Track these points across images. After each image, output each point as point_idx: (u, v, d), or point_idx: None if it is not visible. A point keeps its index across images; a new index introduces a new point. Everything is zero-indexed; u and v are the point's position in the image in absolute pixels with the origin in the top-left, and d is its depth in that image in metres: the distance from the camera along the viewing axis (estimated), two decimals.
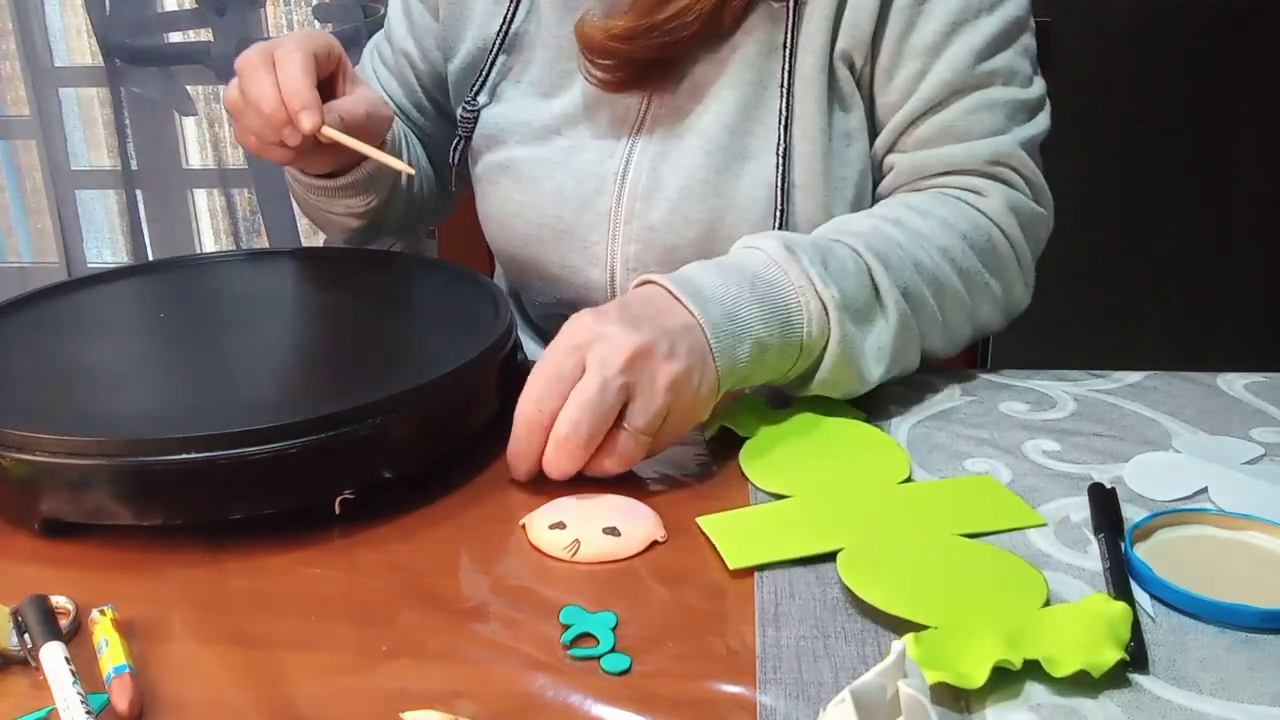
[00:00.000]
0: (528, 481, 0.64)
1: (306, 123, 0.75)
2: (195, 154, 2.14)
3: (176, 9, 2.05)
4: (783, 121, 0.80)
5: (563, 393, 0.61)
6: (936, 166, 0.81)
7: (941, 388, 0.77)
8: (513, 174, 0.88)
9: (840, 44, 0.80)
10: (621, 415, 0.62)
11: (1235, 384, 0.77)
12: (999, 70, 0.79)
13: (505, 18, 0.88)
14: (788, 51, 0.80)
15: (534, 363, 0.74)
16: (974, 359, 1.41)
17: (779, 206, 0.80)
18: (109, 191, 2.18)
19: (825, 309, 0.68)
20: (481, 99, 0.90)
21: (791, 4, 0.79)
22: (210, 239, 2.22)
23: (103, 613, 0.52)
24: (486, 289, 0.78)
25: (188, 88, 1.98)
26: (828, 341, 0.68)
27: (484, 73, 0.89)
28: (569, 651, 0.50)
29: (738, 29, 0.81)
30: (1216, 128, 1.78)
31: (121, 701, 0.47)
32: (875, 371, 0.71)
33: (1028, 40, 0.82)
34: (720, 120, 0.82)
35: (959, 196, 0.80)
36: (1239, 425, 0.71)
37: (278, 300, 0.80)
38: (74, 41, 2.15)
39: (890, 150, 0.83)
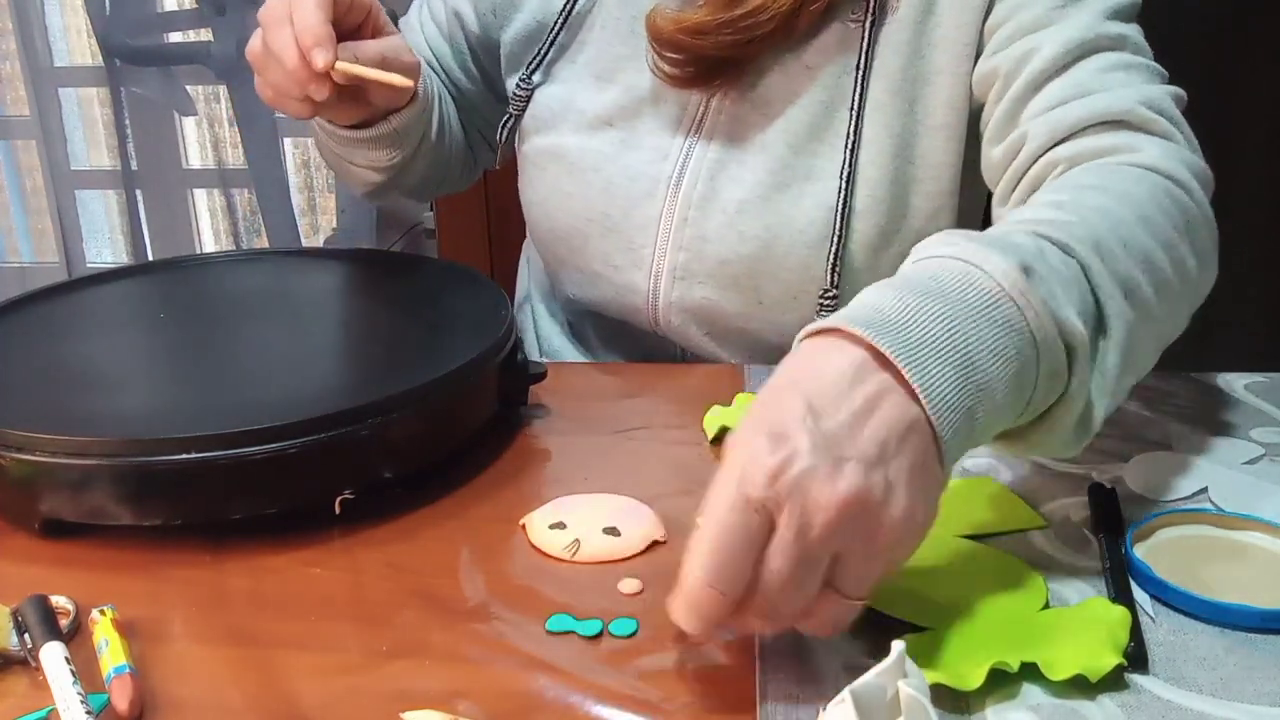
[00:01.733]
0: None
1: (319, 59, 0.72)
2: (195, 154, 2.14)
3: (176, 9, 2.05)
4: (849, 145, 0.78)
5: (749, 564, 0.45)
6: (1082, 117, 0.69)
7: None
8: (563, 162, 0.86)
9: (951, 68, 0.77)
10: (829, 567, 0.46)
11: (1235, 384, 0.77)
12: (1128, 36, 0.73)
13: None
14: (860, 73, 0.78)
15: (534, 362, 0.74)
16: None
17: (837, 231, 0.78)
18: (109, 191, 2.18)
19: (1070, 351, 0.50)
20: (537, 77, 0.89)
21: (868, 25, 0.78)
22: (210, 239, 2.22)
23: (103, 613, 0.52)
24: (487, 289, 0.78)
25: (188, 88, 1.98)
26: (1065, 388, 0.51)
27: (543, 51, 0.88)
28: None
29: (812, 43, 0.79)
30: (1217, 128, 1.78)
31: (121, 701, 0.47)
32: (1100, 410, 0.52)
33: (1133, 18, 0.76)
34: (786, 138, 0.80)
35: (1119, 162, 0.65)
36: (1239, 425, 0.71)
37: (278, 300, 0.80)
38: (74, 41, 2.15)
39: (1012, 120, 0.74)
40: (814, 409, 0.45)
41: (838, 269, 0.78)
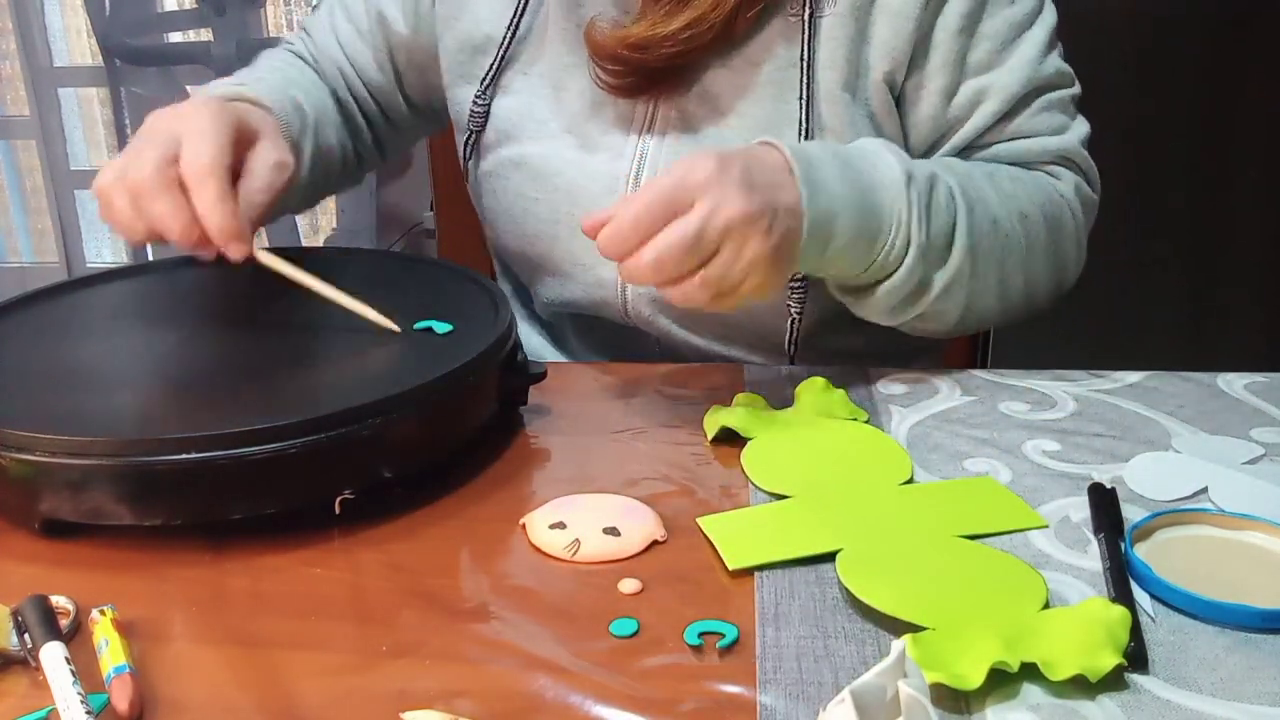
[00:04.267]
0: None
1: (238, 254, 0.70)
2: None
3: (176, 9, 2.06)
4: (803, 134, 0.80)
5: (666, 218, 0.63)
6: (1007, 159, 0.83)
7: (941, 388, 0.77)
8: (525, 169, 0.87)
9: (878, 65, 0.80)
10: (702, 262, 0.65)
11: (1235, 384, 0.77)
12: (1051, 74, 0.82)
13: (516, 10, 0.87)
14: (805, 65, 0.80)
15: (534, 362, 0.74)
16: (974, 359, 1.41)
17: None
18: None
19: (907, 247, 0.72)
20: (491, 92, 0.89)
21: (806, 17, 0.79)
22: None
23: (103, 613, 0.52)
24: (486, 289, 0.78)
25: (188, 88, 1.98)
26: (893, 272, 0.73)
27: (495, 65, 0.88)
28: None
29: (755, 39, 0.81)
30: (1217, 128, 1.78)
31: (121, 701, 0.47)
32: (918, 307, 0.76)
33: (1058, 44, 0.85)
34: (740, 132, 0.81)
35: (1040, 174, 0.84)
36: (1239, 425, 0.71)
37: (278, 300, 0.80)
38: (74, 41, 2.15)
39: (957, 154, 0.85)
40: (749, 166, 0.66)
41: None
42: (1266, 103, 1.75)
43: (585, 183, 0.85)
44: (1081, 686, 0.47)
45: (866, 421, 0.72)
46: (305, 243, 2.08)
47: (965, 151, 0.84)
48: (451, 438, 0.66)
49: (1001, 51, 0.81)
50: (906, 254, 0.72)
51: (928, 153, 0.84)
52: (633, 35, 0.79)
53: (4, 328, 0.74)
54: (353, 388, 0.63)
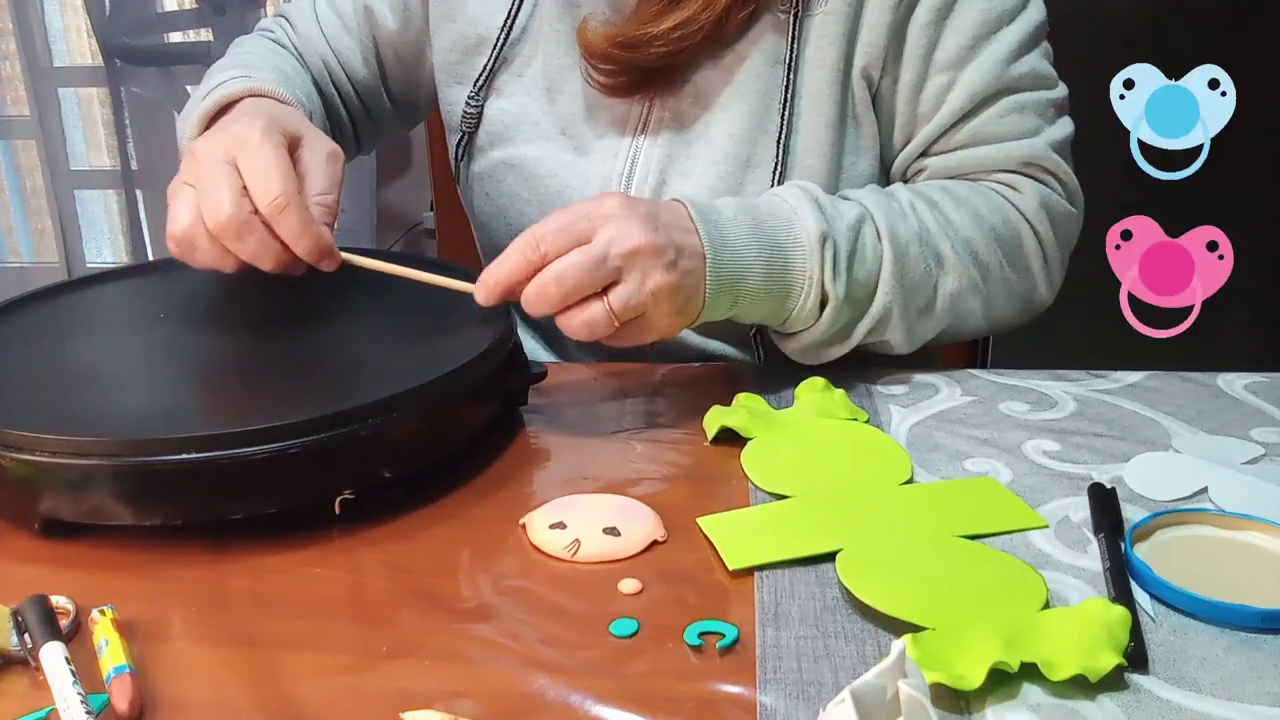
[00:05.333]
0: (487, 304, 0.68)
1: (329, 267, 0.71)
2: None
3: (176, 9, 2.05)
4: (780, 136, 0.81)
5: (565, 246, 0.65)
6: (971, 167, 0.83)
7: (941, 388, 0.77)
8: (519, 171, 0.88)
9: (858, 61, 0.80)
10: (604, 291, 0.66)
11: (1235, 384, 0.77)
12: (1025, 75, 0.81)
13: (510, 11, 0.87)
14: (788, 65, 0.80)
15: (534, 362, 0.74)
16: (974, 359, 1.41)
17: None
18: (109, 191, 2.18)
19: (823, 303, 0.73)
20: (484, 94, 0.89)
21: (794, 17, 0.79)
22: None
23: (103, 613, 0.52)
24: None
25: (188, 88, 1.98)
26: (811, 325, 0.74)
27: (489, 67, 0.88)
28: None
29: (745, 36, 0.81)
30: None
31: (121, 701, 0.47)
32: (847, 346, 0.77)
33: (1046, 45, 0.84)
34: (727, 129, 0.82)
35: (996, 190, 0.82)
36: (1239, 425, 0.71)
37: (278, 300, 0.80)
38: (74, 41, 2.15)
39: (921, 156, 0.85)
40: (654, 208, 0.68)
41: None
42: (1268, 102, 1.75)
43: (579, 184, 0.86)
44: (1081, 686, 0.47)
45: (866, 421, 0.72)
46: None
47: (928, 155, 0.84)
48: (451, 438, 0.66)
49: (972, 47, 0.80)
50: (823, 310, 0.73)
51: (898, 151, 0.84)
52: (623, 34, 0.79)
53: (4, 328, 0.74)
54: (353, 388, 0.63)
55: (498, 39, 0.88)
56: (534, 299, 0.65)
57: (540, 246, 0.65)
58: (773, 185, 0.81)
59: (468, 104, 0.90)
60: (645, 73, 0.81)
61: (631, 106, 0.85)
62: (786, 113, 0.81)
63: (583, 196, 0.84)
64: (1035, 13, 0.82)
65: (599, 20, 0.81)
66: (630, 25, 0.79)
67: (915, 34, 0.80)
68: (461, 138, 0.91)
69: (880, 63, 0.80)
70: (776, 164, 0.81)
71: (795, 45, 0.80)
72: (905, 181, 0.86)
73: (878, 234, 0.75)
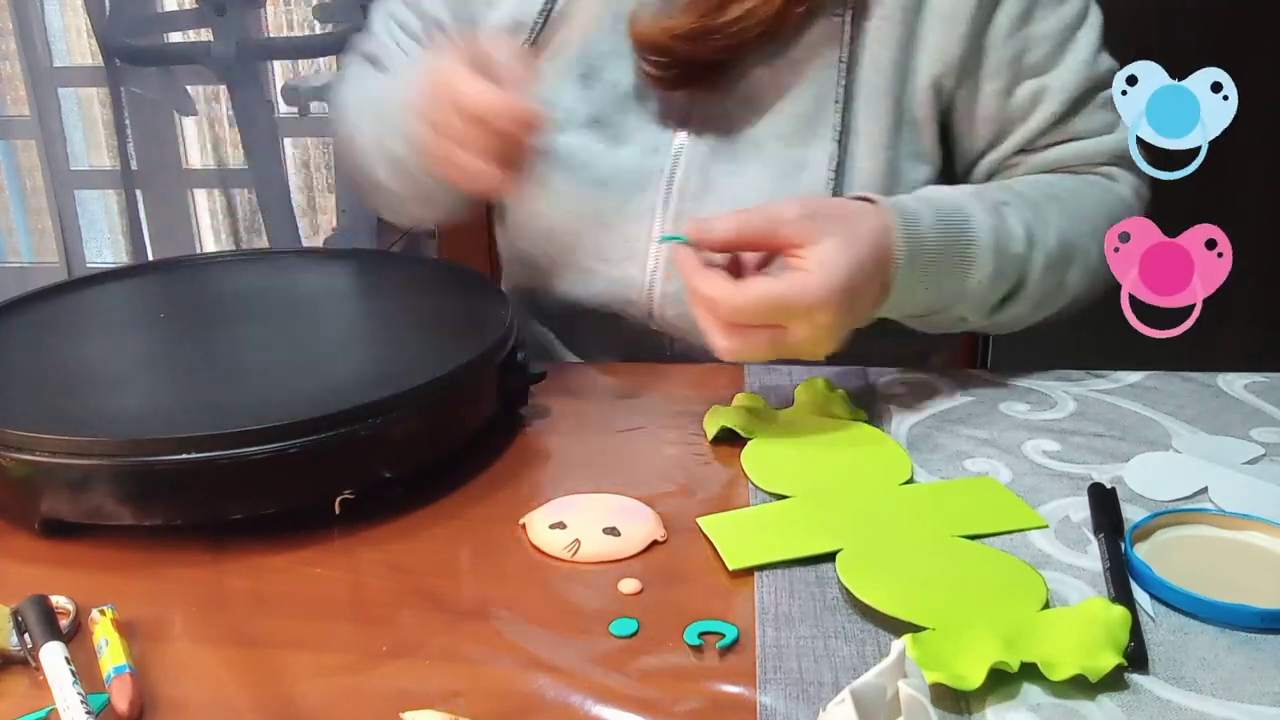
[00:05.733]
0: (699, 243, 0.67)
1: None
2: (195, 154, 2.14)
3: (176, 9, 2.06)
4: (838, 137, 0.80)
5: (769, 249, 0.67)
6: (1071, 161, 0.84)
7: (941, 388, 0.77)
8: (553, 160, 0.85)
9: (927, 68, 0.80)
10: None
11: (1235, 384, 0.77)
12: (1106, 72, 0.83)
13: None
14: (844, 67, 0.80)
15: (534, 362, 0.74)
16: (974, 359, 1.41)
17: None
18: (109, 191, 2.18)
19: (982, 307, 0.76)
20: None
21: (849, 19, 0.79)
22: (210, 239, 2.22)
23: (103, 613, 0.52)
24: (487, 289, 0.78)
25: (188, 88, 1.98)
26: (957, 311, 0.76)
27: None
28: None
29: (798, 39, 0.80)
30: None
31: (121, 701, 0.47)
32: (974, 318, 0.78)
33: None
34: (777, 131, 0.81)
35: (1099, 183, 0.84)
36: (1239, 425, 0.71)
37: (278, 300, 0.80)
38: (74, 41, 2.15)
39: (1017, 154, 0.85)
40: (858, 270, 0.66)
41: None
42: (1267, 102, 1.75)
43: (615, 177, 0.84)
44: (1081, 686, 0.47)
45: (866, 421, 0.72)
46: (305, 243, 2.08)
47: (1023, 153, 0.84)
48: (451, 438, 0.66)
49: (1056, 52, 0.81)
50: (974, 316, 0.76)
51: (985, 152, 0.85)
52: (680, 26, 0.78)
53: (4, 328, 0.74)
54: (353, 388, 0.63)
55: (535, 23, 0.86)
56: (721, 297, 0.65)
57: (780, 231, 0.65)
58: (828, 188, 0.81)
59: None
60: (698, 67, 0.80)
61: (675, 101, 0.83)
62: (841, 117, 0.80)
63: (618, 188, 0.84)
64: (1096, 14, 0.84)
65: (650, 10, 0.80)
66: (688, 18, 0.78)
67: (997, 44, 0.80)
68: None
69: (955, 72, 0.81)
70: (834, 165, 0.80)
71: (852, 47, 0.80)
72: (990, 178, 0.87)
73: (1020, 222, 0.76)
